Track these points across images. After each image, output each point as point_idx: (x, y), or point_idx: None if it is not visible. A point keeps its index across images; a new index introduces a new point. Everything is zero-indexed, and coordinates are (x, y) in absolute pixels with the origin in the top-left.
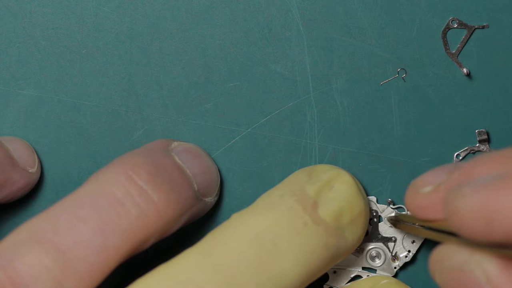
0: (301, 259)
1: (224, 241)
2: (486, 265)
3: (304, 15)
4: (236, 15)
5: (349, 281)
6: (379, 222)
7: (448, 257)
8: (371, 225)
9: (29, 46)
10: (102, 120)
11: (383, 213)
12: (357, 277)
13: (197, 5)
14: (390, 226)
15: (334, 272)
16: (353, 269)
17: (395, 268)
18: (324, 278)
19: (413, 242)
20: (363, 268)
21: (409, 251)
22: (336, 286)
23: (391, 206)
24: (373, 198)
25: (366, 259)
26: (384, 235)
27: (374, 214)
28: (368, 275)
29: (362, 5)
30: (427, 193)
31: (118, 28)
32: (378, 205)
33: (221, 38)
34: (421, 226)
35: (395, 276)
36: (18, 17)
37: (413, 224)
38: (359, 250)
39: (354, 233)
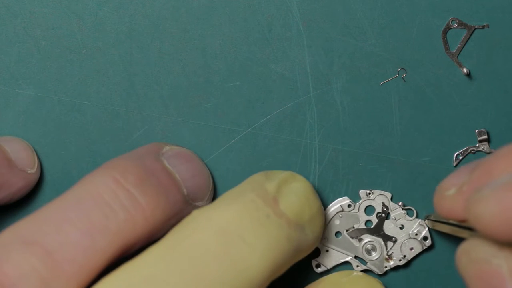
0: (266, 250)
1: (187, 234)
2: None
3: (304, 15)
4: (236, 15)
5: (338, 265)
6: (386, 219)
7: (476, 249)
8: (378, 219)
9: (29, 46)
10: (102, 120)
11: (393, 212)
12: (347, 263)
13: (197, 5)
14: (400, 227)
15: (327, 250)
16: (346, 253)
17: (385, 267)
18: (315, 253)
19: (411, 249)
20: (356, 257)
21: (404, 256)
22: (324, 264)
23: (402, 207)
24: (388, 195)
25: (362, 250)
26: (387, 233)
27: (385, 209)
28: (357, 266)
29: (362, 5)
30: (452, 196)
31: (118, 28)
32: (391, 202)
33: (221, 38)
34: (458, 226)
35: (384, 275)
36: (18, 17)
37: (451, 224)
38: (360, 239)
39: (313, 231)
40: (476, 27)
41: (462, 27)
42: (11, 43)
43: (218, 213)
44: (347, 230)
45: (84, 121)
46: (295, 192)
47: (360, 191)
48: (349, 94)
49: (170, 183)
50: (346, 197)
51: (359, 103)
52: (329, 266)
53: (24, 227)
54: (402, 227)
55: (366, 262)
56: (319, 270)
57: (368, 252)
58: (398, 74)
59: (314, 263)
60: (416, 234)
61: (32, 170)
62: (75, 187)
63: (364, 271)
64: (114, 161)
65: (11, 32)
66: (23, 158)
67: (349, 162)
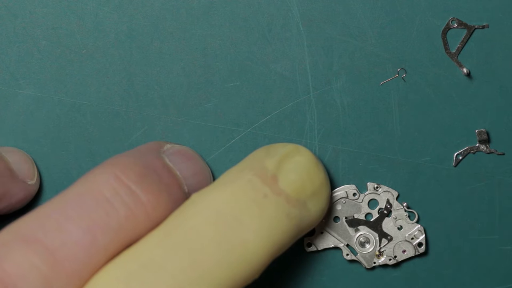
0: (263, 230)
1: (184, 219)
2: None
3: (304, 15)
4: (236, 15)
5: (329, 248)
6: (387, 216)
7: None
8: (379, 214)
9: (29, 46)
10: (102, 120)
11: (395, 212)
12: (338, 248)
13: (197, 5)
14: (398, 228)
15: (322, 232)
16: (340, 240)
17: (374, 263)
18: (309, 232)
19: (404, 251)
20: (348, 246)
21: (395, 256)
22: (315, 245)
23: (405, 209)
24: (394, 193)
25: (356, 240)
26: (384, 230)
27: (388, 206)
28: (347, 254)
29: (362, 5)
30: None
31: (118, 28)
32: (396, 201)
33: (221, 38)
34: None
35: (371, 269)
36: (18, 17)
37: None
38: (356, 230)
39: (317, 205)
40: (476, 27)
41: (462, 27)
42: (11, 43)
43: (215, 194)
44: (346, 218)
45: (84, 121)
46: (296, 168)
47: (368, 183)
48: (349, 94)
49: (171, 180)
50: (353, 185)
51: (359, 103)
52: (320, 247)
53: (24, 225)
54: (400, 228)
55: (357, 253)
56: (309, 249)
57: (362, 244)
58: (398, 74)
59: (306, 241)
60: (412, 239)
61: (32, 182)
62: (75, 184)
63: (352, 261)
64: (115, 158)
65: (11, 32)
66: (24, 169)
67: (349, 162)
